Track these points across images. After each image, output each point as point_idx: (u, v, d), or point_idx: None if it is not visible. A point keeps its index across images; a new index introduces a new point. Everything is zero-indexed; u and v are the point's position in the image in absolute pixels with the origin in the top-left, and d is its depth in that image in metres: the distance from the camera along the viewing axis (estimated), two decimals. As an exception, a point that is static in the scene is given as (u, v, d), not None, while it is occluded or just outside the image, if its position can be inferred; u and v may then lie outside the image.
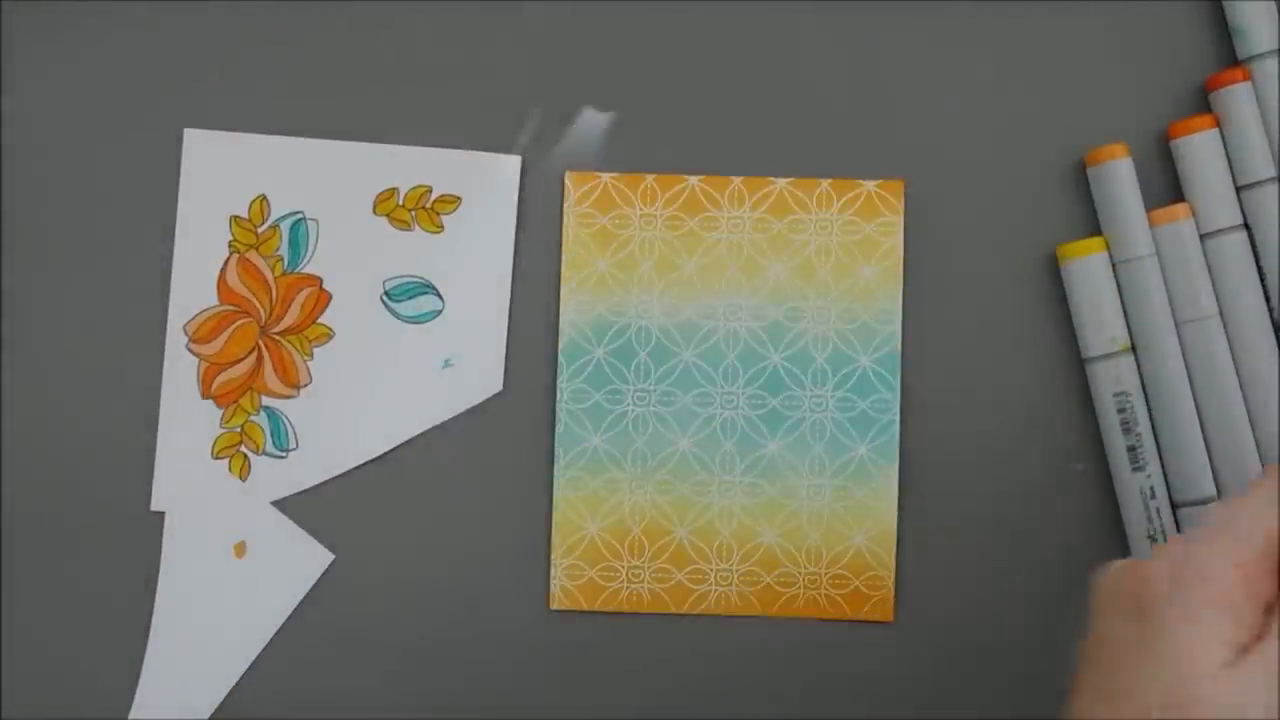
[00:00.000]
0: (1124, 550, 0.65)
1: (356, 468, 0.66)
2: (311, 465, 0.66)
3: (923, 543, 0.65)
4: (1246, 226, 0.64)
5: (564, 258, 0.66)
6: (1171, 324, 0.64)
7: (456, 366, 0.66)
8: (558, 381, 0.66)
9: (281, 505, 0.66)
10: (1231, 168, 0.64)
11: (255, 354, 0.66)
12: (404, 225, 0.67)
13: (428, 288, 0.66)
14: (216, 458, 0.66)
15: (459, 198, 0.66)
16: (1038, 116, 0.66)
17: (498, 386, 0.66)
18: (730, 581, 0.65)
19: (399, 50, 0.67)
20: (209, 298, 0.67)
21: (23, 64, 0.67)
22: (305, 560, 0.66)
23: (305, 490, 0.66)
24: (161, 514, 0.66)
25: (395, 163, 0.66)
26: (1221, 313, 0.64)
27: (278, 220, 0.67)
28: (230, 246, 0.67)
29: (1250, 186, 0.64)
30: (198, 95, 0.67)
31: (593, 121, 0.67)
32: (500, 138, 0.66)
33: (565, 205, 0.66)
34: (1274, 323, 0.64)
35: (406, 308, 0.66)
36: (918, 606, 0.65)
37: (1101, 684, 0.50)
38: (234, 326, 0.66)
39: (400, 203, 0.66)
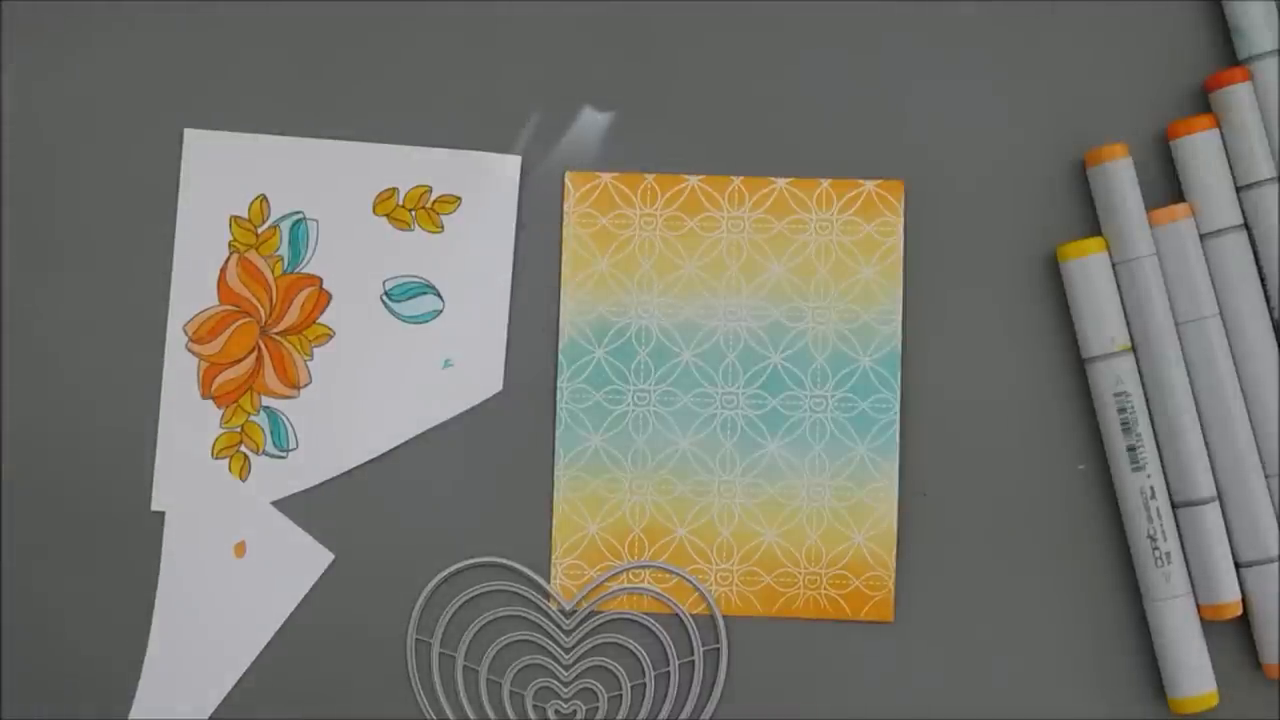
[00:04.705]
0: (1124, 549, 0.65)
1: (356, 468, 0.66)
2: (311, 465, 0.66)
3: (923, 543, 0.65)
4: (1246, 226, 0.64)
5: (564, 258, 0.66)
6: (1171, 324, 0.64)
7: (456, 366, 0.66)
8: (558, 381, 0.66)
9: (281, 505, 0.66)
10: (1231, 168, 0.64)
11: (255, 354, 0.66)
12: (404, 225, 0.67)
13: (428, 288, 0.66)
14: (216, 458, 0.66)
15: (459, 198, 0.66)
16: (1038, 116, 0.66)
17: (498, 386, 0.66)
18: (730, 581, 0.65)
19: (399, 50, 0.67)
20: (209, 298, 0.66)
21: (23, 64, 0.67)
22: (305, 560, 0.66)
23: (305, 490, 0.66)
24: (161, 514, 0.66)
25: (395, 163, 0.66)
26: (1221, 313, 0.64)
27: (278, 220, 0.67)
28: (230, 246, 0.67)
29: (1250, 186, 0.64)
30: (198, 95, 0.67)
31: (593, 121, 0.67)
32: (500, 138, 0.66)
33: (565, 205, 0.66)
34: (1274, 323, 0.64)
35: (406, 308, 0.66)
36: (918, 606, 0.65)
37: None
38: (234, 326, 0.66)
39: (400, 203, 0.66)
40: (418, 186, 0.66)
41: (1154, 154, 0.65)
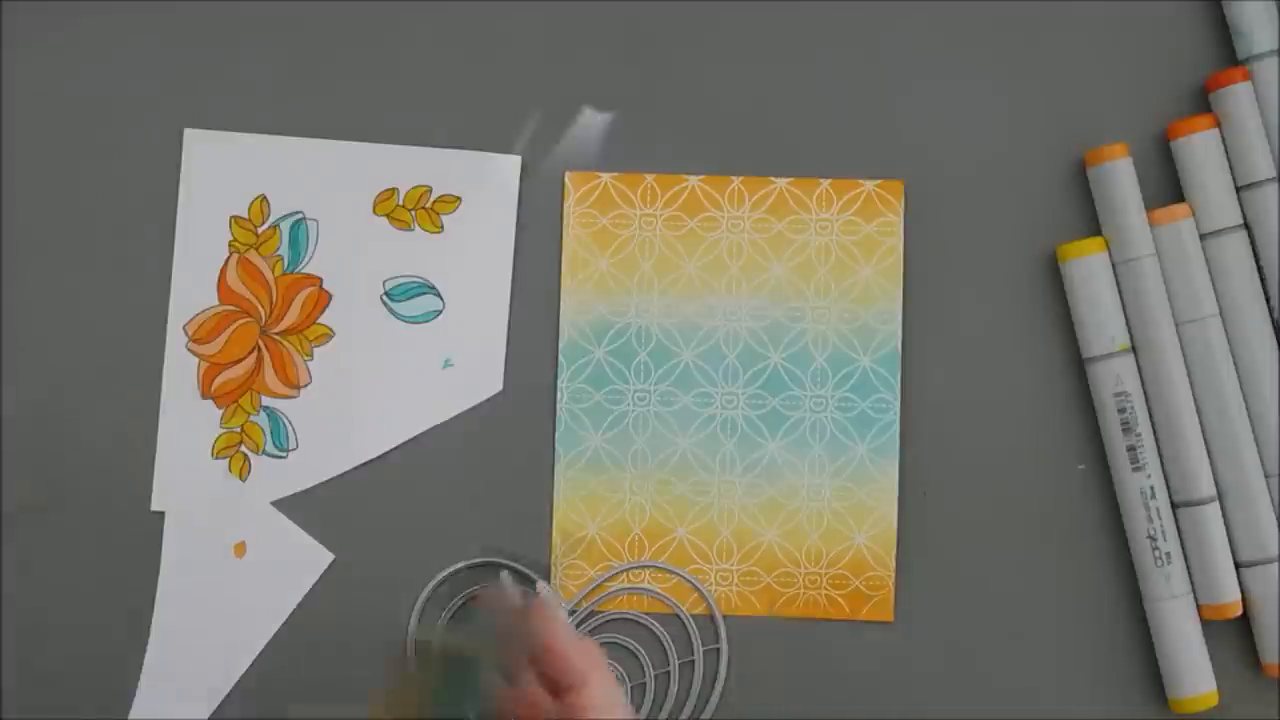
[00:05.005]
0: (1124, 549, 0.65)
1: (356, 468, 0.66)
2: (311, 465, 0.66)
3: (923, 543, 0.65)
4: (1246, 226, 0.64)
5: (564, 258, 0.66)
6: (1171, 324, 0.64)
7: (456, 366, 0.66)
8: (558, 381, 0.66)
9: (281, 505, 0.66)
10: (1231, 168, 0.64)
11: (255, 354, 0.66)
12: (404, 225, 0.67)
13: (428, 288, 0.66)
14: (216, 458, 0.66)
15: (459, 198, 0.66)
16: (1038, 116, 0.66)
17: (498, 386, 0.66)
18: (730, 581, 0.65)
19: (399, 50, 0.67)
20: (209, 298, 0.66)
21: (23, 64, 0.67)
22: (305, 560, 0.66)
23: (305, 490, 0.66)
24: (161, 514, 0.66)
25: (395, 163, 0.66)
26: (1221, 313, 0.64)
27: (278, 220, 0.67)
28: (230, 246, 0.67)
29: (1250, 186, 0.64)
30: (198, 95, 0.67)
31: (593, 121, 0.67)
32: (500, 138, 0.66)
33: (565, 205, 0.66)
34: (1274, 323, 0.64)
35: (406, 308, 0.66)
36: (918, 606, 0.65)
37: None
38: (234, 326, 0.66)
39: (400, 203, 0.66)
40: (418, 186, 0.66)
41: (1154, 154, 0.65)
